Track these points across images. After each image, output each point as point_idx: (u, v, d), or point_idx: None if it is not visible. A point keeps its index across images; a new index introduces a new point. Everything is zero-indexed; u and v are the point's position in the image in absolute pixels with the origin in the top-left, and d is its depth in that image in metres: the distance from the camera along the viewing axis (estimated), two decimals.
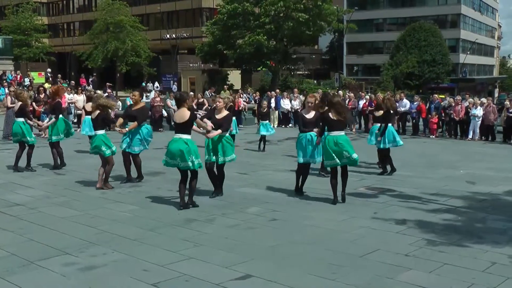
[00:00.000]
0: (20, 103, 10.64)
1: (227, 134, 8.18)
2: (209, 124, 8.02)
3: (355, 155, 7.98)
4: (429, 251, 5.84)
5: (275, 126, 21.95)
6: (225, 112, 8.24)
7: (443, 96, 22.45)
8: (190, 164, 7.33)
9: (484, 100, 20.35)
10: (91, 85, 32.80)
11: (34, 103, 17.21)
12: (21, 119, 10.50)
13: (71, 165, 11.07)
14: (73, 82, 29.17)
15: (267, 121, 14.60)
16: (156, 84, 36.86)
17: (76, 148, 13.66)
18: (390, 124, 10.80)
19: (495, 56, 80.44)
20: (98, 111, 8.88)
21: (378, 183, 9.89)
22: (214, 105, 8.64)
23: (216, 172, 8.28)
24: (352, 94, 24.69)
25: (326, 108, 8.41)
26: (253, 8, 40.25)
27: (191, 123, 7.55)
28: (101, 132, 8.89)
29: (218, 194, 8.38)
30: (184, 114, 7.47)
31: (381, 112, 11.10)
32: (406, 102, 20.84)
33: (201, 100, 21.60)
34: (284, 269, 5.24)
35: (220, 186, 8.42)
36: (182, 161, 7.35)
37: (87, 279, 4.93)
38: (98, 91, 19.43)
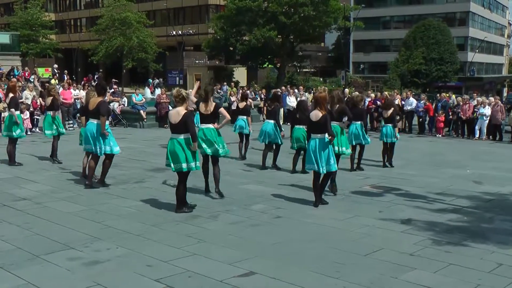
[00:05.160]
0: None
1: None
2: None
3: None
4: (434, 251, 5.80)
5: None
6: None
7: (447, 95, 22.30)
8: None
9: (491, 99, 20.21)
10: (96, 82, 32.80)
11: (40, 99, 17.34)
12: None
13: (76, 161, 11.08)
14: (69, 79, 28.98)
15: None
16: (156, 80, 37.03)
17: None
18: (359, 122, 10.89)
19: (504, 54, 79.89)
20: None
21: (383, 182, 9.85)
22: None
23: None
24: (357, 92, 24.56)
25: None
26: (261, 4, 40.16)
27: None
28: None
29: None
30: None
31: (390, 112, 11.50)
32: (412, 100, 20.73)
33: None
34: (287, 267, 5.22)
35: None
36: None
37: (91, 274, 4.93)
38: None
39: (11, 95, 10.87)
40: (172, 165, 7.05)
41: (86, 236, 6.05)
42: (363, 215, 7.32)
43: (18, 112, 10.85)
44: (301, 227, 6.67)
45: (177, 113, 7.00)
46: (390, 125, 11.49)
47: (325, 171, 7.63)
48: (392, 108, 11.73)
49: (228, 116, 8.04)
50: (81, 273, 4.97)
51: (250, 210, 7.45)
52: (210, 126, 8.00)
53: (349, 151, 9.65)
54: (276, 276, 4.95)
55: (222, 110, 8.13)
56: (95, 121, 8.61)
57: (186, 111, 6.99)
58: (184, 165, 6.99)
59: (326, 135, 7.57)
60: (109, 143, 8.59)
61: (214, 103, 8.05)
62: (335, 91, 10.16)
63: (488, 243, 6.12)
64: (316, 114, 7.61)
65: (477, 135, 18.92)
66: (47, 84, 18.13)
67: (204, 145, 7.95)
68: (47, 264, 5.16)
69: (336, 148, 9.01)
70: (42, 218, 6.82)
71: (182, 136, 6.98)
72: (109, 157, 8.71)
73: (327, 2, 39.52)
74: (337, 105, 9.09)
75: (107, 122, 8.74)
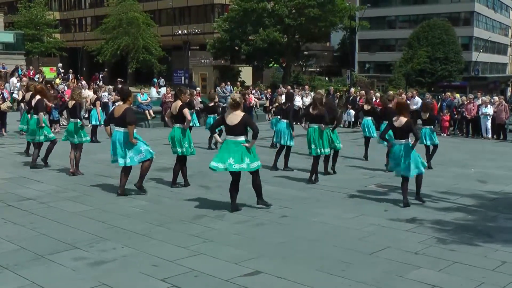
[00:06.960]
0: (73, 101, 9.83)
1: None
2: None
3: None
4: (439, 249, 5.80)
5: None
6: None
7: (451, 94, 22.23)
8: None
9: (496, 98, 20.14)
10: (101, 81, 32.87)
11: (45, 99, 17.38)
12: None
13: (82, 160, 11.09)
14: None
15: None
16: (162, 79, 37.18)
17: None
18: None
19: (508, 54, 79.55)
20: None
21: (389, 181, 9.83)
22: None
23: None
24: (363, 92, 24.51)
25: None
26: (266, 5, 40.15)
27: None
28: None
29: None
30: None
31: (428, 114, 11.56)
32: (418, 100, 20.66)
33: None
34: (293, 266, 5.23)
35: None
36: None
37: (96, 274, 4.95)
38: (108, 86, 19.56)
39: (38, 97, 10.32)
40: (235, 165, 7.06)
41: (92, 236, 6.06)
42: (369, 214, 7.32)
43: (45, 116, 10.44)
44: (307, 226, 6.67)
45: (234, 116, 7.16)
46: (429, 127, 11.54)
47: (416, 173, 7.85)
48: (430, 111, 11.85)
49: (189, 117, 8.59)
50: (86, 273, 4.98)
51: (255, 210, 7.46)
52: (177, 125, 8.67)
53: (328, 150, 9.69)
54: (282, 275, 4.95)
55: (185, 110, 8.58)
56: (121, 130, 7.94)
57: (244, 113, 7.25)
58: (243, 165, 7.11)
59: (410, 140, 7.85)
60: (139, 151, 7.98)
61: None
62: (316, 94, 10.12)
63: (492, 241, 6.12)
64: (400, 121, 7.89)
65: (486, 134, 18.83)
66: (50, 84, 18.15)
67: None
68: (52, 264, 5.18)
69: (318, 150, 9.39)
70: (47, 218, 6.84)
71: (242, 138, 7.17)
72: (147, 160, 8.12)
73: (333, 1, 39.45)
74: (318, 109, 9.35)
75: (135, 130, 8.00)
